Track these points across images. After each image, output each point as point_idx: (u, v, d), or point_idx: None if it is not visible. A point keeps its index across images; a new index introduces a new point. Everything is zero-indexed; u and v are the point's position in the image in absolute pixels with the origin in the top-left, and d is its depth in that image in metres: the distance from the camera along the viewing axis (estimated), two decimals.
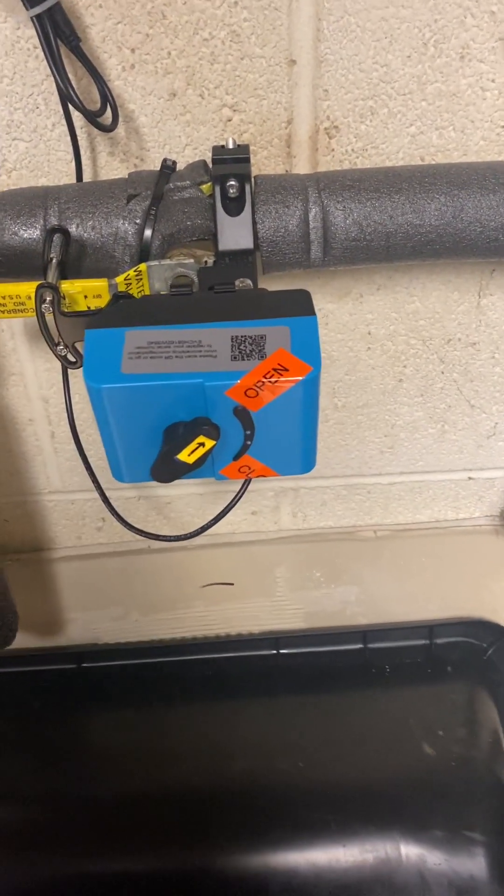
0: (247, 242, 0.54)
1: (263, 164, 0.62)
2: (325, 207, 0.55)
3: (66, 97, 0.55)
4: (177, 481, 0.51)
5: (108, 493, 0.63)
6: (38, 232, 0.55)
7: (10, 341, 0.73)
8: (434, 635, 0.88)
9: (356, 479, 0.88)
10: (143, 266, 0.53)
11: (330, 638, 0.89)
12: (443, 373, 0.78)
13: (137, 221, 0.55)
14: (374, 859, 0.76)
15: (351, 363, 0.77)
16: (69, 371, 0.59)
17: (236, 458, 0.51)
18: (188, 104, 0.59)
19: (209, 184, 0.55)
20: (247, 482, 0.55)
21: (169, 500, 0.89)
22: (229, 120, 0.60)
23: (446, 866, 0.75)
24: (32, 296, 0.52)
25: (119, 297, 0.53)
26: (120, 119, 0.59)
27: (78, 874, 0.77)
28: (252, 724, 0.86)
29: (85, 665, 0.88)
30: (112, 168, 0.62)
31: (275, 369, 0.46)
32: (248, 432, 0.48)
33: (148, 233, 0.54)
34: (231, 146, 0.55)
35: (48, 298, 0.52)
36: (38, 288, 0.52)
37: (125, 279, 0.53)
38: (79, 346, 0.53)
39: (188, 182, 0.56)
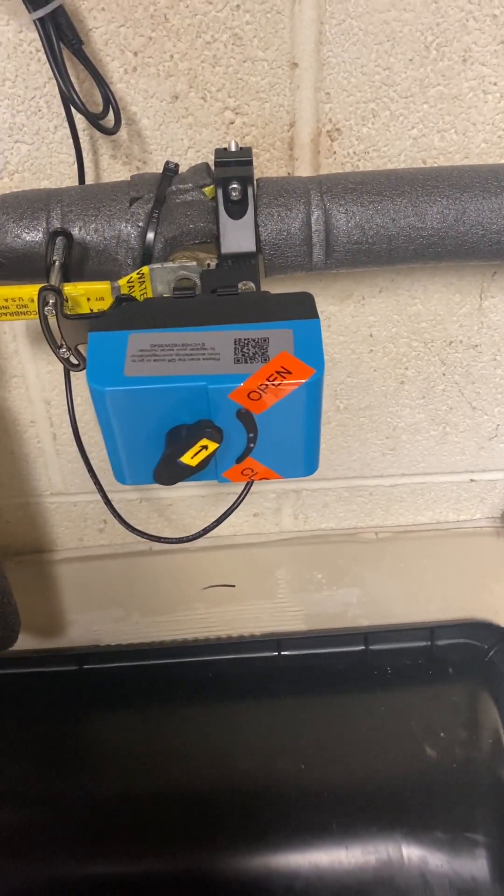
0: (249, 245, 0.54)
1: (266, 166, 0.62)
2: (327, 210, 0.55)
3: (69, 100, 0.55)
4: (179, 483, 0.51)
5: (109, 495, 0.63)
6: (40, 234, 0.55)
7: (13, 343, 0.73)
8: (435, 637, 0.88)
9: (358, 481, 0.89)
10: (145, 269, 0.53)
11: (331, 640, 0.89)
12: (444, 375, 0.78)
13: (140, 224, 0.55)
14: (376, 861, 0.76)
15: (353, 365, 0.77)
16: (71, 373, 0.59)
17: (239, 460, 0.51)
18: (190, 107, 0.59)
19: (211, 186, 0.55)
20: (249, 485, 0.55)
21: (170, 502, 0.89)
22: (231, 123, 0.60)
23: (448, 868, 0.75)
24: (35, 298, 0.52)
25: (122, 300, 0.53)
26: (122, 122, 0.59)
27: (79, 876, 0.77)
28: (253, 725, 0.86)
29: (86, 667, 0.88)
30: (114, 171, 0.62)
31: (278, 372, 0.46)
32: (251, 435, 0.49)
33: (150, 235, 0.55)
34: (233, 149, 0.55)
35: (51, 301, 0.52)
36: (41, 290, 0.52)
37: (128, 282, 0.53)
38: (81, 348, 0.53)
39: (191, 185, 0.56)
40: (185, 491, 0.88)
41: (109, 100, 0.56)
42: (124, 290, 0.53)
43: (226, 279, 0.53)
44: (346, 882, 0.75)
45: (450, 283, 0.71)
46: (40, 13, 0.51)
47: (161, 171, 0.57)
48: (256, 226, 0.55)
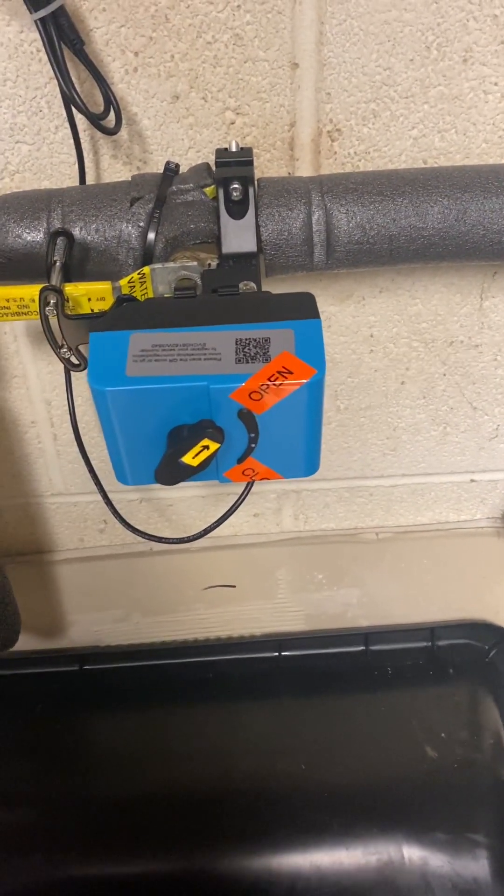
0: (250, 245, 0.54)
1: (266, 166, 0.62)
2: (328, 210, 0.55)
3: (70, 100, 0.55)
4: (179, 484, 0.51)
5: (110, 496, 0.63)
6: (41, 235, 0.55)
7: (13, 344, 0.73)
8: (436, 637, 0.89)
9: (358, 482, 0.88)
10: (146, 269, 0.53)
11: (332, 640, 0.89)
12: (445, 375, 0.78)
13: (141, 224, 0.55)
14: (377, 861, 0.76)
15: (353, 366, 0.77)
16: (72, 374, 0.59)
17: (240, 460, 0.51)
18: (191, 107, 0.59)
19: (212, 187, 0.55)
20: (250, 485, 0.55)
21: (171, 502, 0.89)
22: (232, 123, 0.60)
23: (449, 868, 0.75)
24: (36, 298, 0.52)
25: (123, 300, 0.53)
26: (123, 122, 0.59)
27: (80, 877, 0.77)
28: (254, 726, 0.86)
29: (86, 667, 0.89)
30: (115, 171, 0.62)
31: (279, 372, 0.46)
32: (253, 435, 0.49)
33: (151, 236, 0.55)
34: (234, 149, 0.55)
35: (52, 301, 0.52)
36: (42, 291, 0.52)
37: (129, 282, 0.53)
38: (82, 348, 0.53)
39: (191, 185, 0.56)
40: (185, 491, 0.88)
41: (110, 100, 0.56)
42: (125, 291, 0.53)
43: (227, 279, 0.53)
44: (346, 883, 0.75)
45: (450, 284, 0.71)
46: (41, 13, 0.51)
47: (162, 172, 0.57)
48: (257, 226, 0.55)
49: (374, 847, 0.76)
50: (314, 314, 0.48)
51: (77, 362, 0.54)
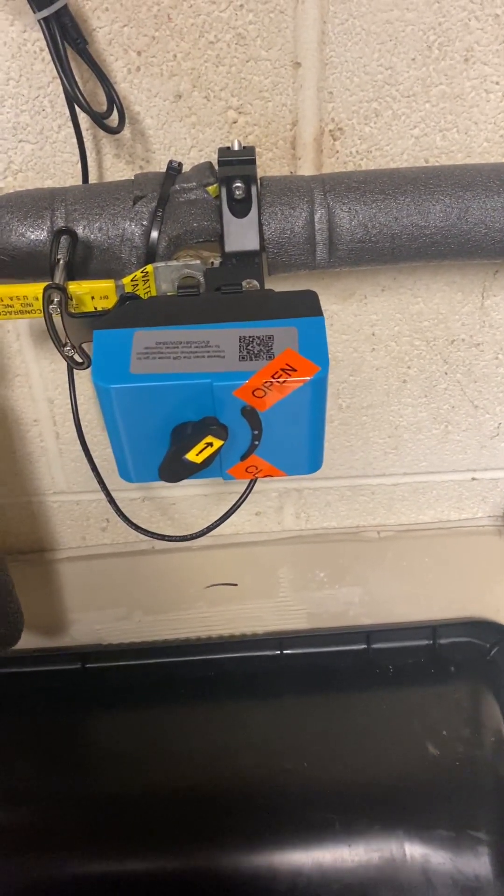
0: (253, 244, 0.54)
1: (269, 165, 0.62)
2: (330, 209, 0.55)
3: (73, 99, 0.55)
4: (181, 482, 0.52)
5: (112, 494, 0.64)
6: (45, 233, 0.55)
7: (16, 342, 0.73)
8: (437, 636, 0.89)
9: (360, 480, 0.89)
10: (149, 267, 0.53)
11: (333, 638, 0.89)
12: (446, 373, 0.78)
13: (144, 223, 0.55)
14: (379, 859, 0.76)
15: (355, 364, 0.77)
16: (75, 372, 0.60)
17: (244, 458, 0.51)
18: (194, 106, 0.60)
19: (215, 185, 0.55)
20: (253, 482, 0.56)
21: (173, 501, 0.90)
22: (235, 122, 0.60)
23: (451, 865, 0.75)
24: (40, 297, 0.52)
25: (126, 299, 0.53)
26: (126, 121, 0.59)
27: (83, 874, 0.78)
28: (256, 724, 0.86)
29: (89, 665, 0.89)
30: (118, 170, 0.62)
31: (283, 369, 0.46)
32: (256, 432, 0.49)
33: (154, 234, 0.55)
34: (237, 148, 0.55)
35: (55, 299, 0.52)
36: (46, 289, 0.52)
37: (132, 280, 0.54)
38: (86, 347, 0.53)
39: (194, 183, 0.56)
40: (187, 490, 0.88)
41: (113, 99, 0.57)
42: (128, 289, 0.54)
43: (230, 277, 0.53)
44: (348, 880, 0.76)
45: (452, 282, 0.71)
46: (45, 13, 0.51)
47: (164, 171, 0.57)
48: (260, 224, 0.55)
49: (375, 844, 0.76)
50: (317, 312, 0.49)
51: (80, 360, 0.54)
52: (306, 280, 0.69)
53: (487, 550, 0.93)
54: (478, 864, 0.76)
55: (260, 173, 0.60)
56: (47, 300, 0.52)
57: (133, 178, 0.58)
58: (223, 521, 0.60)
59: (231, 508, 0.58)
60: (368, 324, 0.74)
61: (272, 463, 0.51)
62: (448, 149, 0.62)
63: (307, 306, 0.49)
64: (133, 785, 0.82)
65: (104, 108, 0.57)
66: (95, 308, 0.54)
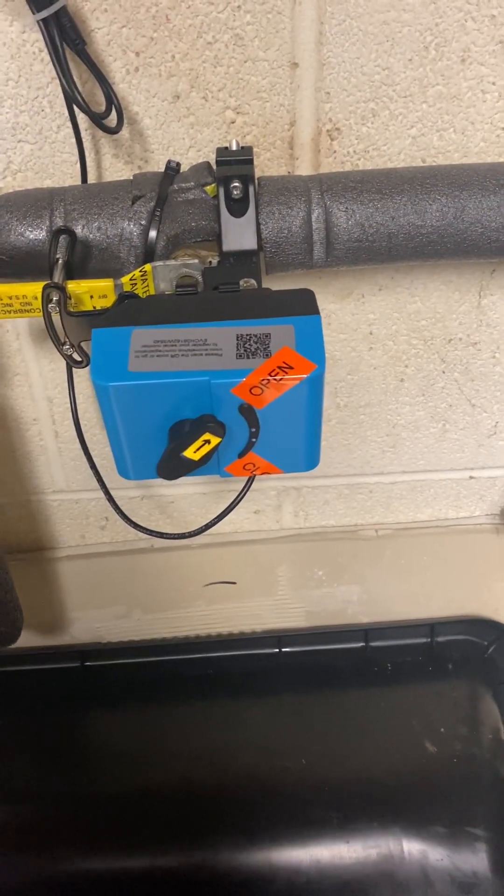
0: (251, 243, 0.55)
1: (266, 165, 0.63)
2: (327, 209, 0.56)
3: (72, 99, 0.55)
4: (180, 480, 0.52)
5: (111, 493, 0.64)
6: (44, 233, 0.56)
7: (16, 341, 0.73)
8: (435, 633, 0.89)
9: (358, 479, 0.89)
10: (148, 266, 0.54)
11: (332, 636, 0.89)
12: (444, 372, 0.78)
13: (142, 222, 0.55)
14: (377, 855, 0.76)
15: (353, 363, 0.77)
16: (74, 371, 0.60)
17: (241, 455, 0.51)
18: (192, 106, 0.60)
19: (213, 185, 0.56)
20: (251, 480, 0.56)
21: (172, 499, 0.90)
22: (233, 122, 0.61)
23: (448, 862, 0.76)
24: (39, 296, 0.53)
25: (125, 297, 0.53)
26: (124, 121, 0.60)
27: (82, 872, 0.78)
28: (254, 722, 0.86)
29: (88, 664, 0.89)
30: (116, 170, 0.63)
31: (280, 367, 0.46)
32: (254, 430, 0.49)
33: (153, 234, 0.55)
34: (234, 148, 0.56)
35: (54, 298, 0.52)
36: (45, 288, 0.52)
37: (130, 279, 0.54)
38: (84, 345, 0.54)
39: (192, 183, 0.56)
40: (186, 488, 0.88)
41: (112, 99, 0.57)
42: (127, 288, 0.54)
43: (227, 276, 0.53)
44: (346, 877, 0.76)
45: (449, 281, 0.71)
46: (44, 14, 0.51)
47: (163, 170, 0.57)
48: (258, 224, 0.55)
49: (373, 841, 0.77)
50: (314, 310, 0.49)
51: (79, 359, 0.54)
52: (304, 279, 0.69)
53: (485, 549, 0.93)
54: (475, 860, 0.76)
55: (258, 173, 0.60)
56: (46, 299, 0.52)
57: (132, 177, 0.58)
58: (222, 519, 0.60)
59: (230, 506, 0.59)
60: (366, 323, 0.74)
61: (269, 460, 0.52)
62: (445, 149, 0.63)
63: (304, 305, 0.50)
64: (132, 783, 0.83)
65: (103, 108, 0.57)
66: (94, 307, 0.54)
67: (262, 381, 0.46)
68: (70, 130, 0.59)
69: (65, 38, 0.54)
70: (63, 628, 0.91)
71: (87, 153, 0.60)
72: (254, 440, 0.50)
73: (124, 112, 0.59)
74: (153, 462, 0.50)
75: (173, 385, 0.46)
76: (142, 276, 0.54)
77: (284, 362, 0.46)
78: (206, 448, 0.48)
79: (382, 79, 0.59)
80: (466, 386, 0.80)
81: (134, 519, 0.63)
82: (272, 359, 0.46)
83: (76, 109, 0.56)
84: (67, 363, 0.55)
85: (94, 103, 0.58)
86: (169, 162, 0.57)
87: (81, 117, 0.58)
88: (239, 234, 0.55)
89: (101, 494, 0.64)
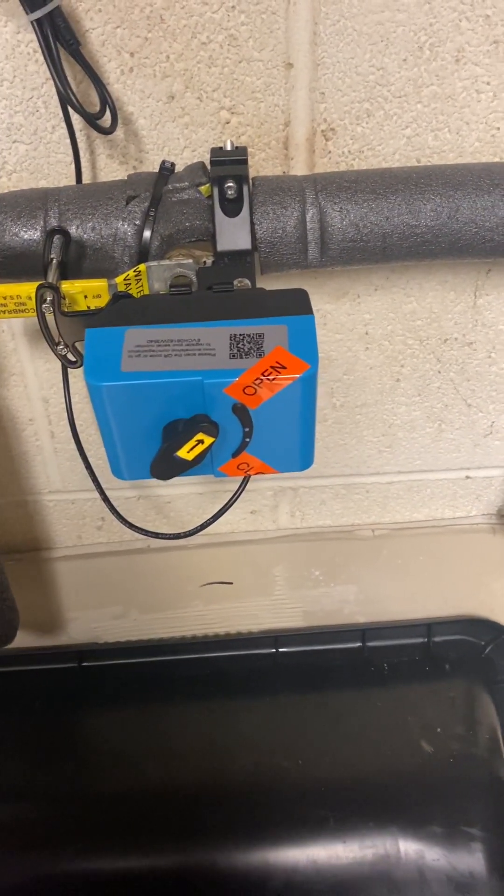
0: (245, 243, 0.55)
1: (261, 165, 0.63)
2: (322, 209, 0.56)
3: (66, 100, 0.55)
4: (176, 480, 0.52)
5: (107, 493, 0.64)
6: (38, 233, 0.56)
7: (11, 342, 0.73)
8: (432, 633, 0.89)
9: (354, 479, 0.89)
10: (142, 266, 0.54)
11: (329, 636, 0.90)
12: (440, 372, 0.78)
13: (137, 222, 0.55)
14: (374, 855, 0.76)
15: (349, 363, 0.77)
16: (69, 371, 0.60)
17: (235, 455, 0.51)
18: (186, 107, 0.60)
19: (207, 185, 0.56)
20: (246, 479, 0.56)
21: (168, 499, 0.90)
22: (227, 122, 0.61)
23: (445, 862, 0.76)
24: (33, 296, 0.53)
25: (119, 297, 0.54)
26: (119, 122, 0.60)
27: (79, 872, 0.78)
28: (251, 722, 0.86)
29: (85, 664, 0.89)
30: (111, 170, 0.63)
31: (273, 367, 0.46)
32: (247, 429, 0.49)
33: (147, 234, 0.55)
34: (229, 148, 0.56)
35: (48, 298, 0.52)
36: (39, 288, 0.52)
37: (125, 279, 0.54)
38: (79, 345, 0.54)
39: (187, 183, 0.56)
40: (182, 488, 0.88)
41: (106, 100, 0.57)
42: (121, 288, 0.54)
43: (222, 276, 0.53)
44: (343, 876, 0.76)
45: (444, 281, 0.71)
46: (38, 14, 0.51)
47: (157, 171, 0.57)
48: (252, 224, 0.55)
49: (370, 841, 0.77)
50: (307, 310, 0.49)
51: (74, 359, 0.54)
52: (299, 279, 0.69)
53: (482, 548, 0.93)
54: (472, 860, 0.76)
55: (253, 173, 0.60)
56: (40, 299, 0.52)
57: (126, 178, 0.58)
58: (217, 518, 0.60)
59: (225, 505, 0.59)
60: (362, 323, 0.74)
61: (263, 460, 0.52)
62: (440, 149, 0.63)
63: (298, 305, 0.50)
64: (129, 782, 0.83)
65: (97, 108, 0.57)
66: (88, 307, 0.54)
67: (256, 381, 0.46)
68: (65, 131, 0.59)
69: (59, 38, 0.54)
70: (60, 628, 0.91)
71: (81, 153, 0.60)
72: (247, 440, 0.50)
73: (119, 112, 0.59)
74: (147, 462, 0.50)
75: (166, 385, 0.46)
76: (136, 276, 0.54)
77: (277, 362, 0.46)
78: (200, 448, 0.48)
79: (377, 79, 0.59)
80: (462, 386, 0.80)
81: (130, 519, 0.63)
82: (265, 359, 0.46)
83: (71, 110, 0.56)
84: (62, 363, 0.55)
85: (89, 104, 0.58)
86: (163, 162, 0.57)
87: (76, 118, 0.58)
88: (233, 234, 0.55)
89: (97, 494, 0.64)
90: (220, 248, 0.55)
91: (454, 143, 0.62)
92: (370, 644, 0.89)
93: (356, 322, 0.74)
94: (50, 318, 0.53)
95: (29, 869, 0.78)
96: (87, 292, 0.54)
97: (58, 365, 0.73)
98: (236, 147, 0.56)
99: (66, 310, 0.54)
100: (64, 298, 0.54)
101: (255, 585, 0.92)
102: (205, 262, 0.55)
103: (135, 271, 0.54)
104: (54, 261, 0.54)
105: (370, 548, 0.93)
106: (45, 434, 0.82)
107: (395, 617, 0.90)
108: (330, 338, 0.75)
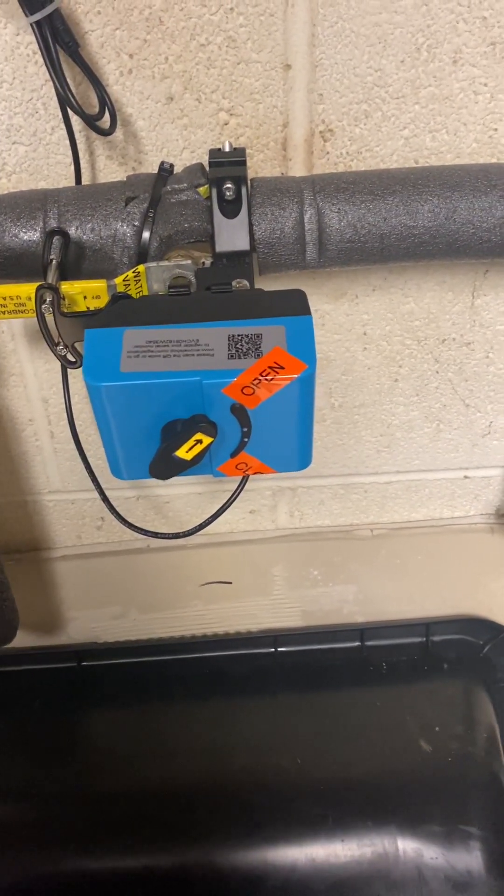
0: (243, 244, 0.55)
1: (259, 166, 0.63)
2: (320, 209, 0.56)
3: (65, 101, 0.56)
4: (175, 480, 0.52)
5: (107, 493, 0.64)
6: (37, 234, 0.56)
7: (11, 342, 0.74)
8: (430, 633, 0.89)
9: (353, 478, 0.89)
10: (141, 267, 0.54)
11: (327, 636, 0.90)
12: (438, 372, 0.79)
13: (136, 223, 0.56)
14: (372, 854, 0.76)
15: (347, 363, 0.77)
16: (69, 371, 0.60)
17: (233, 455, 0.51)
18: (185, 108, 0.60)
19: (206, 186, 0.56)
20: (244, 479, 0.56)
21: (168, 499, 0.90)
22: (226, 124, 0.61)
23: (443, 860, 0.76)
24: (32, 296, 0.53)
25: (118, 298, 0.54)
26: (118, 123, 0.60)
27: (77, 871, 0.78)
28: (250, 721, 0.86)
29: (84, 663, 0.89)
30: (110, 171, 0.63)
31: (271, 367, 0.46)
32: (245, 429, 0.49)
33: (146, 235, 0.55)
34: (227, 149, 0.56)
35: (48, 299, 0.53)
36: (38, 289, 0.53)
37: (124, 280, 0.54)
38: (78, 346, 0.54)
39: (185, 185, 0.56)
40: (181, 488, 0.89)
41: (105, 101, 0.57)
42: (120, 289, 0.54)
43: (220, 277, 0.53)
44: (341, 875, 0.76)
45: (442, 282, 0.71)
46: (37, 16, 0.52)
47: (156, 172, 0.57)
48: (250, 225, 0.55)
49: (368, 840, 0.77)
50: (305, 310, 0.49)
51: (73, 359, 0.54)
52: (297, 280, 0.69)
53: (480, 548, 0.94)
54: (470, 859, 0.76)
55: (251, 174, 0.61)
56: (40, 300, 0.53)
57: (125, 179, 0.58)
58: (216, 518, 0.60)
59: (224, 505, 0.59)
60: (360, 323, 0.74)
61: (262, 460, 0.52)
62: (438, 150, 0.63)
63: (295, 305, 0.50)
64: (128, 782, 0.83)
65: (96, 110, 0.57)
66: (88, 308, 0.55)
67: (254, 381, 0.46)
68: (64, 132, 0.59)
69: (58, 40, 0.54)
70: (59, 628, 0.91)
71: (80, 155, 0.61)
72: (246, 440, 0.50)
73: (118, 114, 0.60)
74: (146, 462, 0.50)
75: (165, 385, 0.46)
76: (135, 276, 0.54)
77: (276, 362, 0.47)
78: (199, 448, 0.48)
79: (375, 80, 0.59)
80: (460, 386, 0.80)
81: (129, 519, 0.63)
82: (263, 359, 0.47)
83: (70, 111, 0.56)
84: (62, 364, 0.55)
85: (88, 105, 0.58)
86: (162, 163, 0.57)
87: (75, 119, 0.58)
88: (231, 235, 0.55)
89: (96, 495, 0.64)
90: (218, 248, 0.55)
91: (452, 144, 0.63)
92: (369, 643, 0.89)
93: (354, 322, 0.74)
94: (49, 318, 0.53)
95: (27, 868, 0.78)
96: (86, 293, 0.54)
97: (57, 365, 0.74)
98: (235, 148, 0.56)
99: (65, 310, 0.54)
100: (63, 299, 0.54)
101: (254, 585, 0.92)
102: (203, 263, 0.55)
103: (134, 272, 0.54)
104: (54, 261, 0.54)
105: (369, 547, 0.94)
106: (45, 434, 0.82)
107: (394, 616, 0.90)
108: (328, 338, 0.75)
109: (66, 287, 0.54)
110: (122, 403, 0.47)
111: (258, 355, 0.47)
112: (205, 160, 0.58)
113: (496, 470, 0.89)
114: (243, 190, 0.54)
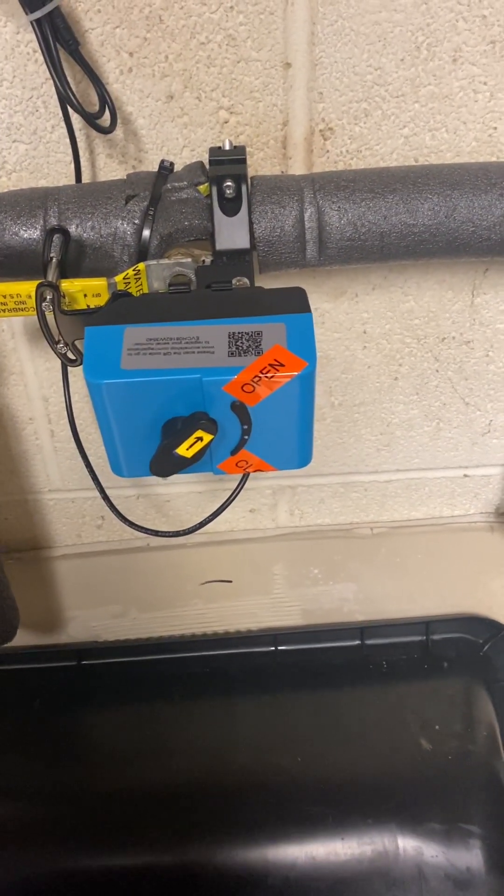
0: (243, 242, 0.55)
1: (259, 165, 0.63)
2: (320, 208, 0.56)
3: (66, 100, 0.56)
4: (175, 478, 0.52)
5: (107, 492, 0.64)
6: (38, 232, 0.56)
7: (11, 341, 0.74)
8: (430, 631, 0.89)
9: (353, 477, 0.89)
10: (141, 265, 0.54)
11: (327, 634, 0.90)
12: (437, 371, 0.79)
13: (136, 222, 0.56)
14: (372, 852, 0.76)
15: (347, 362, 0.78)
16: (69, 370, 0.60)
17: (234, 452, 0.51)
18: (185, 106, 0.60)
19: (206, 184, 0.56)
20: (244, 477, 0.56)
21: (168, 498, 0.90)
22: (226, 122, 0.61)
23: (443, 858, 0.76)
24: (33, 294, 0.53)
25: (118, 296, 0.54)
26: (118, 121, 0.60)
27: (78, 869, 0.78)
28: (251, 719, 0.86)
29: (84, 662, 0.89)
30: (110, 169, 0.63)
31: (271, 365, 0.46)
32: (246, 427, 0.49)
33: (146, 233, 0.55)
34: (227, 148, 0.56)
35: (48, 297, 0.53)
36: (39, 287, 0.53)
37: (124, 278, 0.54)
38: (78, 344, 0.54)
39: (186, 183, 0.57)
40: (181, 487, 0.89)
41: (105, 100, 0.57)
42: (121, 287, 0.54)
43: (220, 275, 0.53)
44: (341, 873, 0.76)
45: (442, 280, 0.71)
46: (37, 14, 0.52)
47: (156, 170, 0.57)
48: (250, 223, 0.55)
49: (368, 838, 0.77)
50: (305, 308, 0.49)
51: (73, 357, 0.55)
52: (297, 278, 0.69)
53: (480, 547, 0.94)
54: (470, 857, 0.76)
55: (251, 173, 0.61)
56: (40, 298, 0.53)
57: (125, 177, 0.58)
58: (216, 516, 0.60)
59: (224, 503, 0.59)
60: (360, 322, 0.74)
61: (262, 458, 0.52)
62: (437, 148, 0.63)
63: (296, 303, 0.50)
64: (128, 780, 0.83)
65: (97, 108, 0.58)
66: (88, 306, 0.55)
67: (254, 379, 0.46)
68: (64, 130, 0.59)
69: (58, 38, 0.54)
70: (59, 627, 0.91)
71: (81, 153, 0.61)
72: (246, 437, 0.50)
73: (118, 112, 0.60)
74: (146, 460, 0.50)
75: (165, 382, 0.46)
76: (135, 274, 0.54)
77: (276, 360, 0.47)
78: (199, 445, 0.48)
79: (374, 79, 0.60)
80: (460, 384, 0.80)
81: (130, 517, 0.63)
82: (264, 356, 0.47)
83: (70, 110, 0.57)
84: (62, 362, 0.55)
85: (88, 103, 0.58)
86: (162, 161, 0.57)
87: (75, 117, 0.58)
88: (232, 233, 0.55)
89: (97, 493, 0.64)
90: (218, 247, 0.55)
91: (451, 142, 0.63)
92: (369, 642, 0.89)
93: (354, 321, 0.74)
94: (50, 316, 0.53)
95: (27, 867, 0.78)
96: (86, 291, 0.54)
97: (57, 364, 0.74)
98: (235, 146, 0.56)
99: (65, 308, 0.54)
100: (63, 297, 0.54)
101: (255, 584, 0.92)
102: (203, 261, 0.55)
103: (134, 270, 0.54)
104: (54, 259, 0.54)
105: (369, 546, 0.94)
106: (45, 433, 0.82)
107: (394, 615, 0.90)
108: (328, 336, 0.75)
109: (67, 285, 0.54)
110: (122, 401, 0.47)
111: (258, 353, 0.47)
112: (205, 158, 0.58)
113: (496, 468, 0.90)
114: (243, 188, 0.55)
